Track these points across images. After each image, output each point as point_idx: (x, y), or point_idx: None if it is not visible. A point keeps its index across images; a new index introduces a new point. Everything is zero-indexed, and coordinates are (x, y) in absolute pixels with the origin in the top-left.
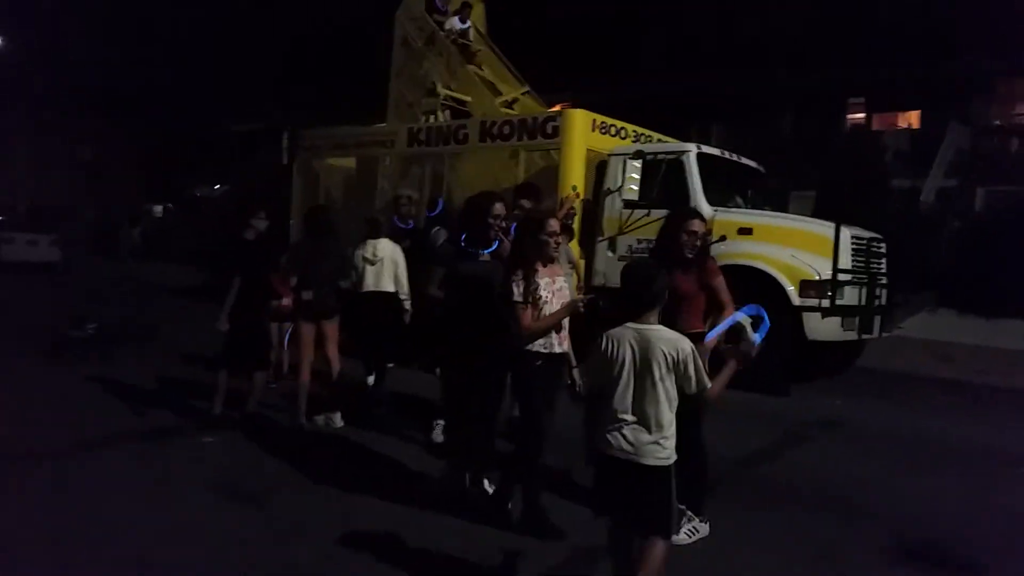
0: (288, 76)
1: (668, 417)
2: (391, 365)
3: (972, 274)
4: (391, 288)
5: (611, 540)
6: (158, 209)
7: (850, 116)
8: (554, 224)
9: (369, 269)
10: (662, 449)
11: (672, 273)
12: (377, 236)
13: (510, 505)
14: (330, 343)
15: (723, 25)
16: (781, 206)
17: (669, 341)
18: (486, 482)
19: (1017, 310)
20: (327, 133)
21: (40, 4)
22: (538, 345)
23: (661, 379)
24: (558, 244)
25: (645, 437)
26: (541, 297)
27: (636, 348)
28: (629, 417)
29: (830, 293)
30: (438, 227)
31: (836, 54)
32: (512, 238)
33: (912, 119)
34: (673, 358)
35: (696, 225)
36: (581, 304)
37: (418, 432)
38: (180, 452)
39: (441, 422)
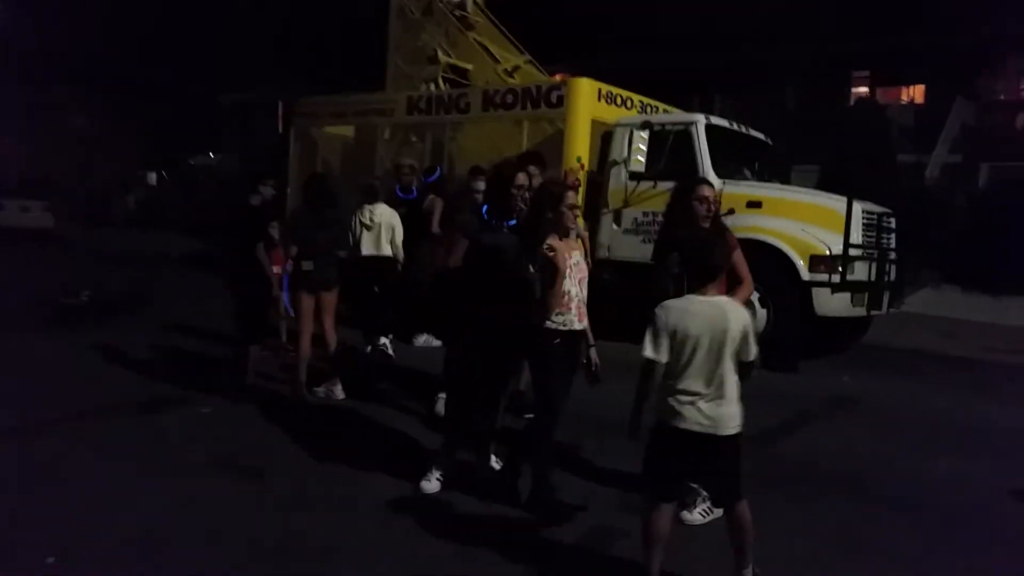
0: (282, 44)
1: (736, 385)
2: (389, 337)
3: (976, 251)
4: (388, 252)
5: (658, 519)
6: (152, 177)
7: (854, 90)
8: (572, 196)
9: (366, 234)
10: (736, 417)
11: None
12: (374, 201)
13: (519, 483)
14: (327, 315)
15: None
16: (783, 180)
17: (737, 312)
18: (493, 459)
19: (1021, 287)
20: (325, 101)
21: None
22: (557, 322)
23: (732, 350)
24: (576, 216)
25: (722, 409)
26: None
27: (707, 321)
28: (704, 391)
29: (841, 268)
30: (432, 195)
31: (841, 26)
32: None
33: (916, 93)
34: (742, 329)
35: (706, 191)
36: None
37: (420, 405)
38: (178, 424)
39: (443, 395)
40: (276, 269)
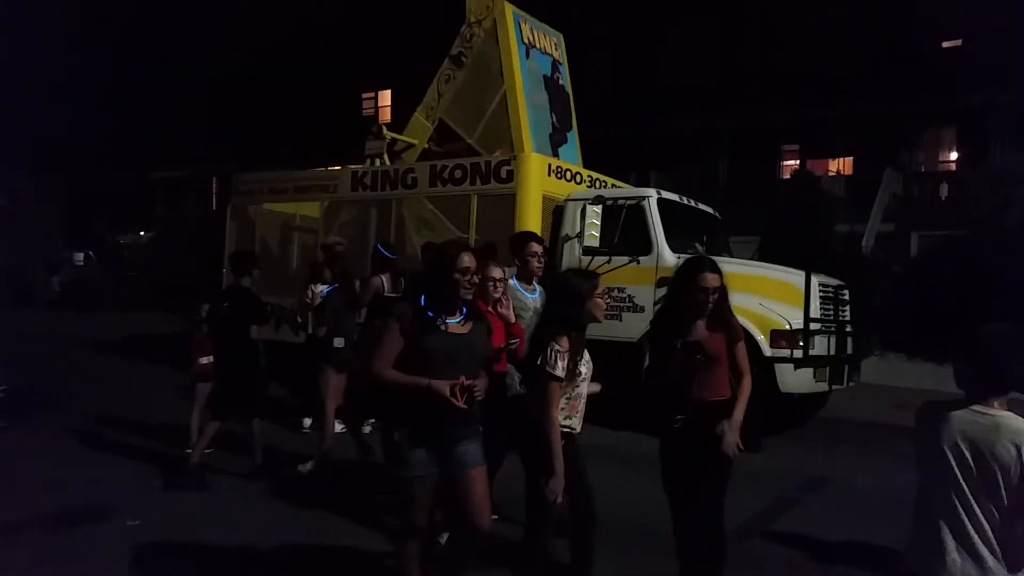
0: (214, 121)
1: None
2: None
3: (916, 318)
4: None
5: None
6: (79, 257)
7: (784, 163)
8: (602, 282)
9: (311, 315)
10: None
11: (696, 330)
12: (317, 280)
13: None
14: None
15: (656, 72)
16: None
17: (1018, 432)
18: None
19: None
20: (263, 177)
21: None
22: (566, 426)
23: (1006, 485)
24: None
25: (988, 564)
26: (581, 373)
27: (971, 441)
28: (965, 537)
29: (802, 343)
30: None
31: (770, 101)
32: (546, 300)
33: (845, 165)
34: (1017, 458)
35: (709, 280)
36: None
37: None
38: (99, 540)
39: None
40: (204, 359)
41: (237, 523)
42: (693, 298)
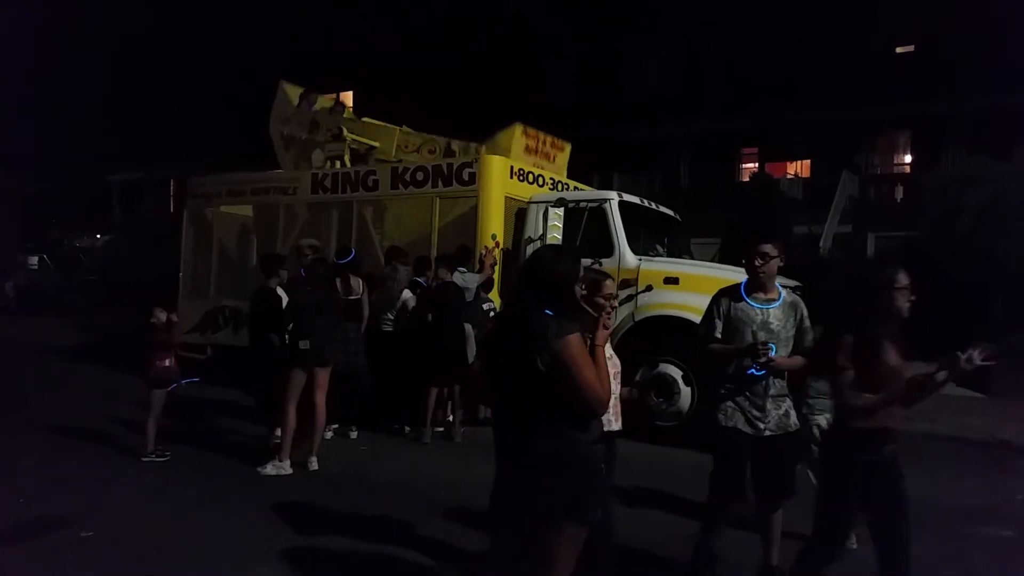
0: (172, 123)
1: None
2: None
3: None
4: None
5: None
6: (33, 261)
7: (744, 166)
8: (612, 286)
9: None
10: None
11: (887, 350)
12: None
13: None
14: (320, 390)
15: (620, 76)
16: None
17: None
18: None
19: (920, 353)
20: (221, 180)
21: None
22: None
23: None
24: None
25: None
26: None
27: None
28: None
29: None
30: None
31: (728, 105)
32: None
33: (803, 168)
34: None
35: (905, 280)
36: None
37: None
38: (50, 552)
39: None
40: (166, 361)
41: (191, 530)
42: (892, 303)
